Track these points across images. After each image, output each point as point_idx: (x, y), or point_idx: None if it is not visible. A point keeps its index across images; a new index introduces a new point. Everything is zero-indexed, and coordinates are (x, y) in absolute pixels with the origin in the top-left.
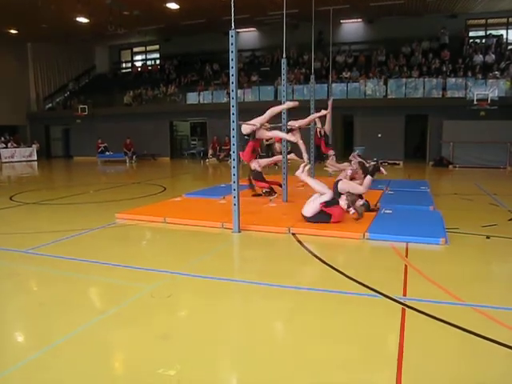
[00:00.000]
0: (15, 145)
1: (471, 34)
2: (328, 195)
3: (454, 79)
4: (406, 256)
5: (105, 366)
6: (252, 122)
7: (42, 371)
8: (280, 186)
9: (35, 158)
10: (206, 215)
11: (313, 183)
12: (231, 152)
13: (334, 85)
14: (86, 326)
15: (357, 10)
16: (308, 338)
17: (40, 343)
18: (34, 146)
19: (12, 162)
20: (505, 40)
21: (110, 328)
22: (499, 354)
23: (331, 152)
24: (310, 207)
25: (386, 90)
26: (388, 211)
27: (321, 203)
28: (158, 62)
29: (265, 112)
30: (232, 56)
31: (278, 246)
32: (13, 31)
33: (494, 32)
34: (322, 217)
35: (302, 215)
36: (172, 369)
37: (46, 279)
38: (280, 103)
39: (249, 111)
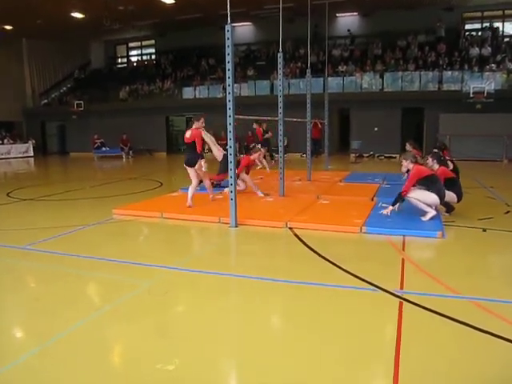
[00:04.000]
0: (11, 141)
1: (467, 26)
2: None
3: (450, 72)
4: (403, 249)
5: (103, 362)
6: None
7: (40, 367)
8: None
9: (31, 154)
10: (202, 210)
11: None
12: (227, 147)
13: (330, 79)
14: (84, 321)
15: (352, 3)
16: (304, 332)
17: (37, 339)
18: (30, 142)
19: (8, 158)
20: (501, 33)
21: (107, 324)
22: (497, 347)
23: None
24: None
25: (382, 84)
26: (385, 205)
27: None
28: (153, 56)
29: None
30: (228, 50)
31: (275, 241)
32: (8, 27)
33: (489, 25)
34: None
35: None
36: (170, 364)
37: (43, 275)
38: (276, 97)
39: (245, 106)
